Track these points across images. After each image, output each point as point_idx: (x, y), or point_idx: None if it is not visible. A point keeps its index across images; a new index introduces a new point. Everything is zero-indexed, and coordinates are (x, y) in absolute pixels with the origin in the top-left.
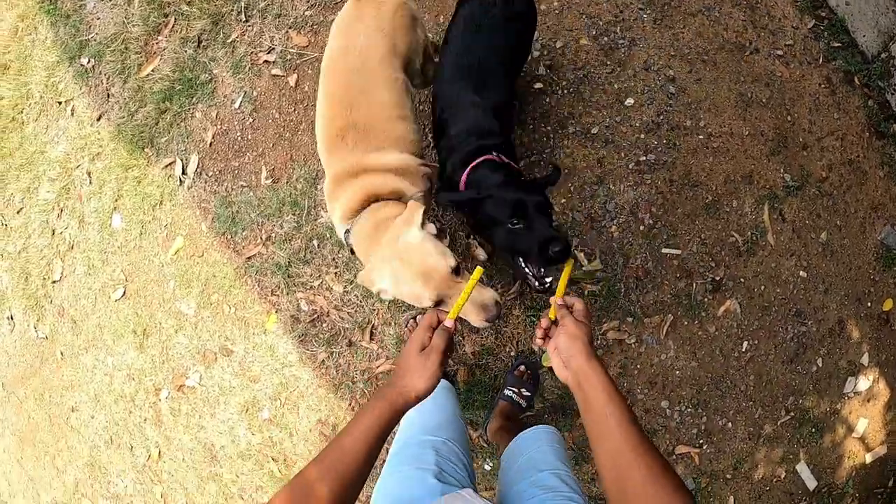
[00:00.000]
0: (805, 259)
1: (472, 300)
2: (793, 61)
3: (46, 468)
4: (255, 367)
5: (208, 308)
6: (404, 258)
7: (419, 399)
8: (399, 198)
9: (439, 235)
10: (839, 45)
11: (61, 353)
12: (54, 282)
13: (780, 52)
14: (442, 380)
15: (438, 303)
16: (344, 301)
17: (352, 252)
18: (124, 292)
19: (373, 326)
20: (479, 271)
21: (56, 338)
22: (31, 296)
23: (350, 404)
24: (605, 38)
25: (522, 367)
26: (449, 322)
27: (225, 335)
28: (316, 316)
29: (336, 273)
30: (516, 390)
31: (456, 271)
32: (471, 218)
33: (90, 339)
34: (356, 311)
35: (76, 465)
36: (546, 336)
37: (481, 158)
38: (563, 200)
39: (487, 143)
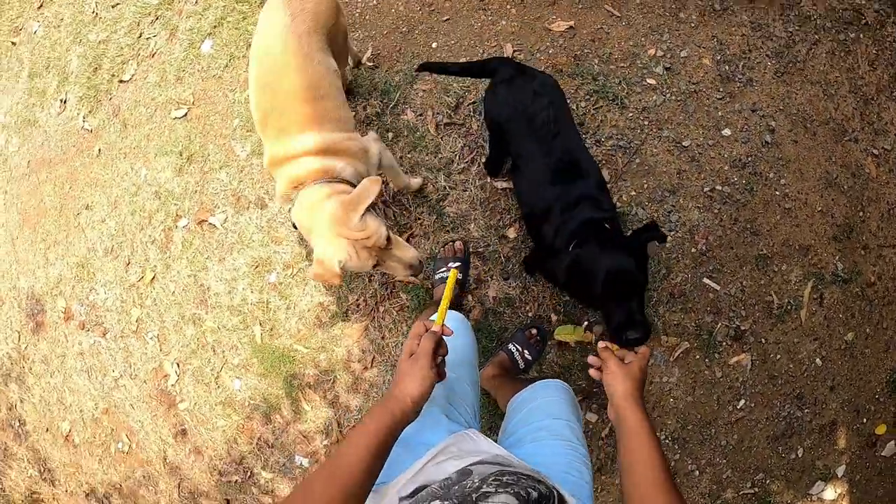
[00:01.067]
0: (825, 349)
1: (398, 260)
2: (884, 165)
3: (37, 255)
4: (283, 230)
5: (261, 157)
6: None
7: (416, 404)
8: (332, 176)
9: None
10: None
11: (99, 150)
12: (122, 81)
13: (875, 152)
14: (461, 316)
15: (375, 265)
16: (394, 200)
17: (294, 227)
18: (186, 114)
19: (411, 235)
20: (454, 274)
21: (100, 134)
22: (92, 87)
23: (358, 300)
24: (727, 67)
25: (534, 331)
26: (436, 327)
27: (266, 189)
28: None
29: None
30: (520, 349)
31: (388, 239)
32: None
33: (133, 146)
34: (402, 214)
35: (67, 261)
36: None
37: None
38: (633, 193)
39: (596, 217)
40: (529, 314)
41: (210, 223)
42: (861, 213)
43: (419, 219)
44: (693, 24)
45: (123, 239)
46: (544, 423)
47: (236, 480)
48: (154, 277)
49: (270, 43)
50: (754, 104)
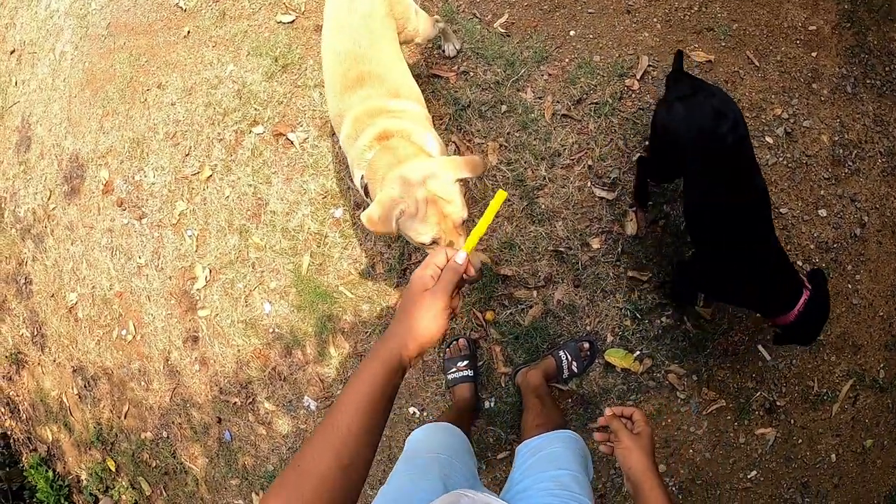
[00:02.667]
0: (843, 448)
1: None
2: None
3: (92, 120)
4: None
5: None
6: (430, 192)
7: (421, 350)
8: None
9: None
10: None
11: (188, 32)
12: None
13: None
14: (450, 426)
15: (432, 244)
16: (489, 174)
17: (365, 194)
18: (293, 21)
19: (496, 215)
20: (502, 195)
21: (195, 16)
22: None
23: (421, 259)
24: (840, 151)
25: (587, 345)
26: (461, 256)
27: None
28: None
29: (501, 145)
30: (569, 358)
31: (463, 223)
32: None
33: (227, 38)
34: (493, 189)
35: (122, 134)
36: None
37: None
38: None
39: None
40: (587, 327)
41: (288, 138)
42: None
43: (509, 201)
44: (822, 99)
45: (189, 128)
46: (549, 475)
47: (235, 403)
48: (211, 176)
49: (358, 20)
50: (855, 194)
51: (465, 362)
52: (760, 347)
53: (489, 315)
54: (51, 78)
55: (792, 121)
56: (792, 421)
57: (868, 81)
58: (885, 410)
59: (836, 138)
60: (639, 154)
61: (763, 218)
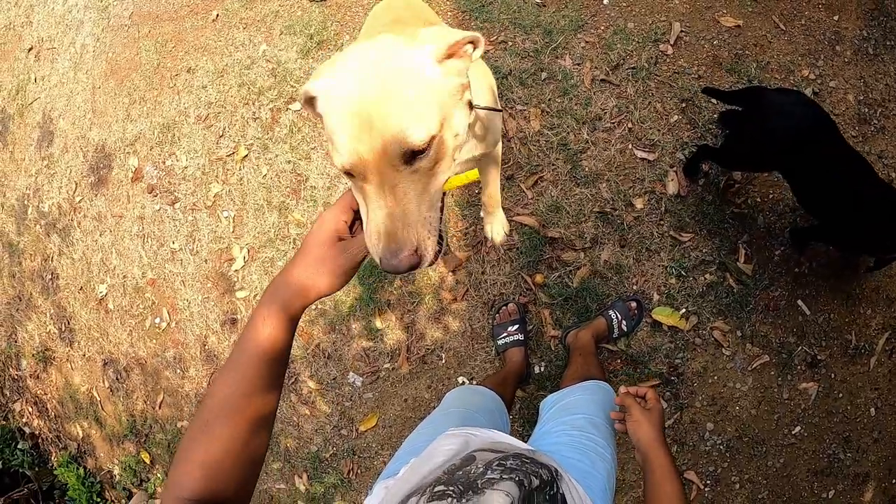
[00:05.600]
0: (882, 401)
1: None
2: None
3: (118, 110)
4: None
5: None
6: None
7: (318, 299)
8: None
9: None
10: None
11: (217, 16)
12: None
13: None
14: (485, 389)
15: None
16: (532, 139)
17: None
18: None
19: (540, 177)
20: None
21: (222, 0)
22: None
23: (467, 229)
24: (866, 109)
25: (634, 304)
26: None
27: None
28: None
29: (543, 112)
30: (619, 318)
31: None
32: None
33: (258, 18)
34: (537, 154)
35: (152, 121)
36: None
37: None
38: (758, 199)
39: None
40: (634, 287)
41: None
42: None
43: (553, 164)
44: (846, 60)
45: (222, 110)
46: (564, 419)
47: None
48: (247, 156)
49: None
50: (881, 151)
51: (516, 326)
52: (800, 302)
53: (539, 278)
54: (72, 72)
55: (819, 81)
56: (832, 375)
57: (888, 43)
58: None
59: (861, 98)
60: (704, 143)
61: (872, 173)
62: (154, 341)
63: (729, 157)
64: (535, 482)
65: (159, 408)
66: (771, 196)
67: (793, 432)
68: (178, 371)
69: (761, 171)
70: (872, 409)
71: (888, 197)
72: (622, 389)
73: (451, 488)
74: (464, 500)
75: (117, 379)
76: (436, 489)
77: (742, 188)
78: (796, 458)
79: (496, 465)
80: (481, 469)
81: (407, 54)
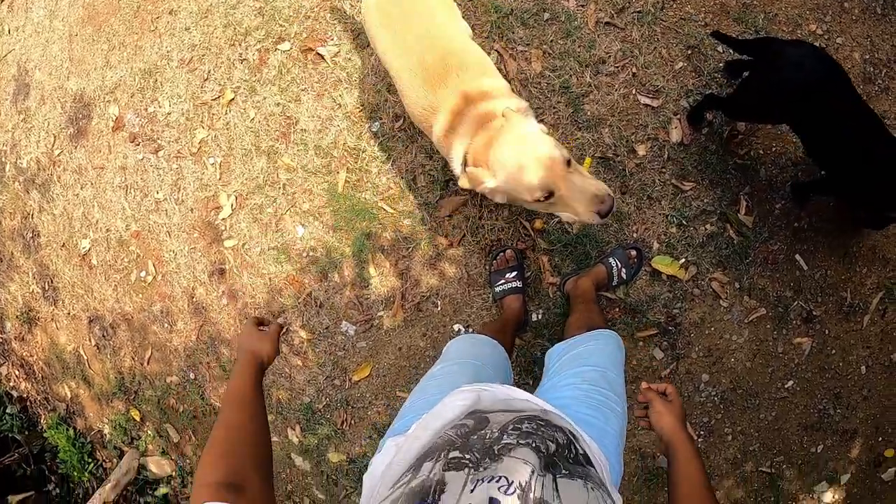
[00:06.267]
0: (872, 360)
1: (582, 191)
2: None
3: (96, 56)
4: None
5: None
6: (524, 146)
7: (269, 362)
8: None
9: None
10: None
11: None
12: None
13: None
14: (487, 339)
15: (548, 196)
16: (533, 81)
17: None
18: None
19: (541, 121)
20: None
21: None
22: None
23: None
24: (871, 69)
25: (634, 252)
26: (281, 320)
27: None
28: None
29: (545, 53)
30: (619, 265)
31: (567, 163)
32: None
33: None
34: (538, 97)
35: (133, 67)
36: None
37: None
38: (761, 151)
39: None
40: (634, 234)
41: (318, 53)
42: None
43: (554, 108)
44: (854, 18)
45: (207, 52)
46: (573, 371)
47: None
48: (233, 99)
49: (406, 4)
50: (884, 112)
51: (514, 273)
52: (798, 257)
53: (538, 223)
54: (48, 20)
55: (826, 37)
56: (826, 331)
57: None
58: None
59: (867, 57)
60: (710, 92)
61: (883, 129)
62: (140, 295)
63: (737, 107)
64: (552, 447)
65: (147, 364)
66: (774, 149)
67: (786, 386)
68: (166, 325)
69: (770, 122)
70: (863, 367)
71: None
72: (643, 386)
73: (466, 455)
74: (481, 469)
75: (104, 336)
76: (451, 456)
77: (745, 139)
78: (788, 412)
79: (511, 428)
80: (497, 433)
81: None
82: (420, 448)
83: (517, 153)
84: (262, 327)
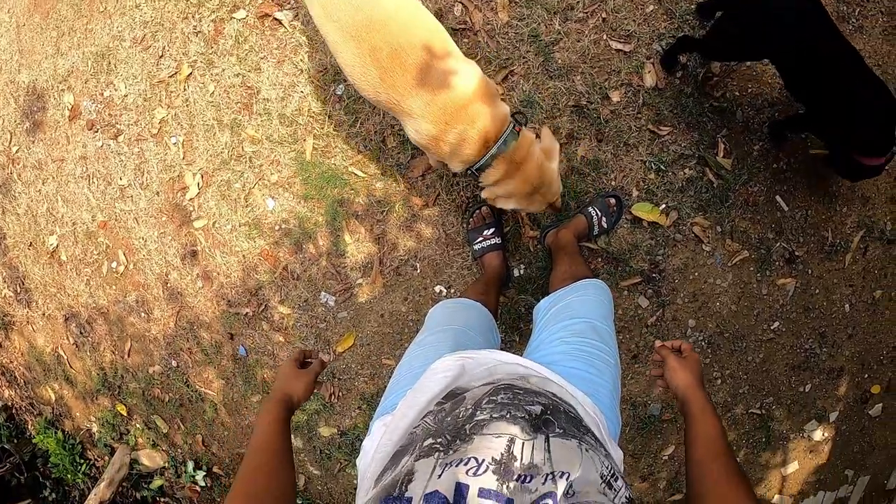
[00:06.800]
0: (855, 298)
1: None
2: None
3: (46, 45)
4: None
5: None
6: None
7: (300, 402)
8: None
9: None
10: None
11: None
12: None
13: None
14: (471, 302)
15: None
16: (501, 31)
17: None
18: None
19: (511, 72)
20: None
21: None
22: None
23: None
24: (844, 7)
25: (613, 200)
26: (326, 357)
27: None
28: (462, 27)
29: (510, 1)
30: (599, 215)
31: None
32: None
33: None
34: (506, 47)
35: (84, 51)
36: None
37: None
38: (737, 93)
39: None
40: (612, 183)
41: (275, 18)
42: None
43: (524, 57)
44: None
45: (160, 28)
46: (561, 325)
47: (246, 313)
48: (191, 74)
49: None
50: (858, 51)
51: (491, 230)
52: (778, 198)
53: None
54: None
55: None
56: (809, 271)
57: None
58: (892, 262)
59: None
60: (683, 34)
61: (864, 65)
62: (113, 287)
63: (715, 44)
64: (538, 409)
65: (128, 356)
66: (750, 90)
67: (771, 328)
68: (143, 315)
69: (750, 59)
70: (847, 306)
71: (877, 89)
72: (657, 344)
73: (438, 440)
74: (451, 452)
75: (81, 333)
76: (425, 444)
77: (721, 81)
78: (775, 353)
79: (486, 402)
80: (470, 410)
81: None
82: (407, 426)
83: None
84: (306, 360)
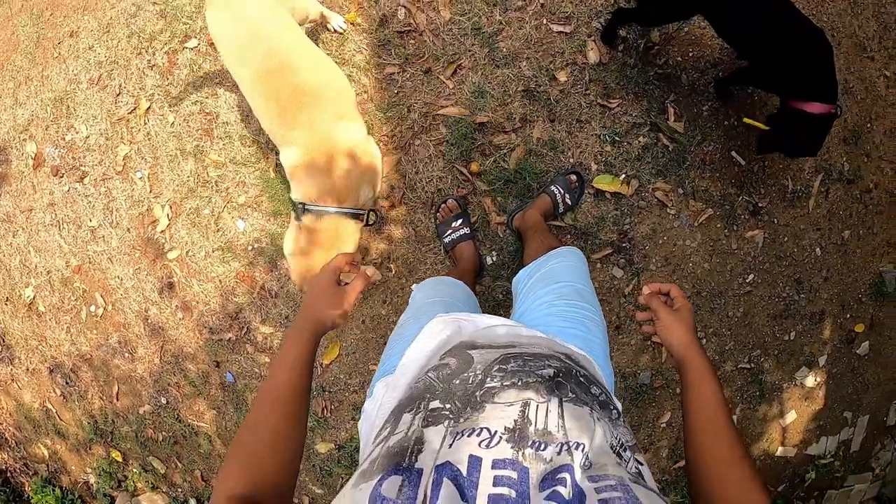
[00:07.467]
0: (825, 240)
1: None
2: (893, 87)
3: (5, 97)
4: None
5: None
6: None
7: (334, 324)
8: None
9: None
10: None
11: None
12: None
13: (887, 74)
14: (449, 278)
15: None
16: (445, 28)
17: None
18: None
19: (459, 66)
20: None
21: None
22: None
23: (393, 131)
24: None
25: (574, 177)
26: (371, 270)
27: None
28: (407, 29)
29: (451, 0)
30: (562, 192)
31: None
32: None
33: None
34: (451, 43)
35: (42, 98)
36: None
37: None
38: (679, 59)
39: None
40: (570, 160)
41: None
42: (868, 125)
43: (470, 50)
44: None
45: (115, 66)
46: (547, 289)
47: (229, 339)
48: (150, 108)
49: (252, 27)
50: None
51: (459, 221)
52: (734, 153)
53: (474, 166)
54: None
55: None
56: (775, 220)
57: None
58: (854, 201)
59: None
60: (618, 6)
61: (795, 10)
62: (94, 331)
63: (649, 10)
64: (550, 372)
65: (117, 399)
66: (691, 54)
67: (747, 280)
68: (127, 355)
69: (683, 17)
70: (818, 249)
71: (810, 34)
72: (645, 291)
73: (447, 406)
74: (462, 420)
75: (67, 383)
76: (431, 407)
77: (662, 49)
78: (754, 306)
79: (496, 370)
80: (480, 376)
81: None
82: (408, 382)
83: None
84: (342, 286)
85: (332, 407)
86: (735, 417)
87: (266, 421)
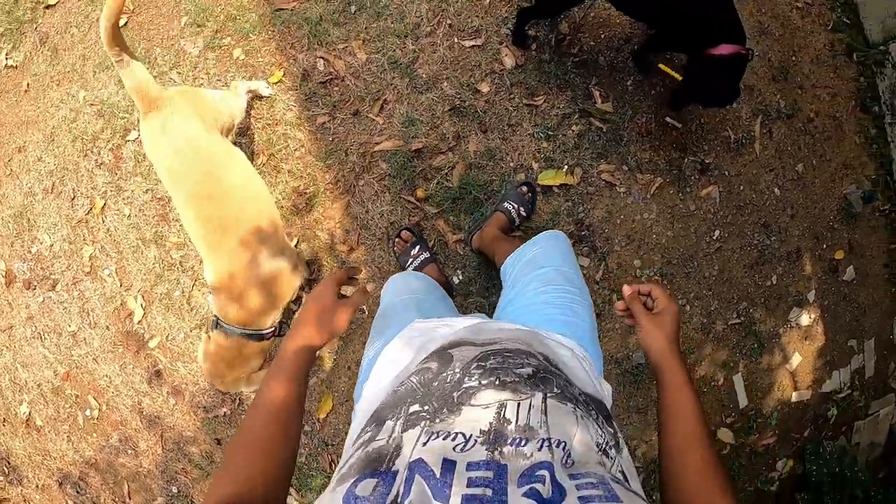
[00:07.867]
0: (781, 179)
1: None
2: (808, 17)
3: None
4: (246, 119)
5: (216, 50)
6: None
7: (331, 338)
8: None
9: None
10: (848, 21)
11: (28, 85)
12: (48, 7)
13: (798, 5)
14: (415, 273)
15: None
16: (364, 69)
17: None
18: (126, 23)
19: (384, 101)
20: None
21: (27, 67)
22: (14, 20)
23: (336, 177)
24: None
25: (524, 188)
26: (371, 287)
27: (224, 80)
28: (329, 78)
29: (364, 41)
30: (516, 206)
31: None
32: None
33: (67, 70)
34: (373, 82)
35: (3, 216)
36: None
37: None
38: (592, 43)
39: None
40: (511, 164)
41: None
42: (794, 58)
43: (392, 84)
44: None
45: (65, 172)
46: (531, 276)
47: (224, 413)
48: (105, 205)
49: (188, 152)
50: None
51: (417, 247)
52: (668, 119)
53: (420, 192)
54: None
55: None
56: (726, 172)
57: None
58: (800, 134)
59: None
60: (519, 7)
61: None
62: (94, 434)
63: (546, 3)
64: (529, 371)
65: (129, 498)
66: (603, 35)
67: (714, 237)
68: (130, 452)
69: (579, 1)
70: (776, 189)
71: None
72: (626, 290)
73: (424, 408)
74: (437, 420)
75: (78, 492)
76: (411, 410)
77: (574, 38)
78: (728, 260)
79: (475, 367)
80: (458, 374)
81: None
82: (371, 410)
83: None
84: (343, 300)
85: (338, 458)
86: (740, 375)
87: (261, 432)
